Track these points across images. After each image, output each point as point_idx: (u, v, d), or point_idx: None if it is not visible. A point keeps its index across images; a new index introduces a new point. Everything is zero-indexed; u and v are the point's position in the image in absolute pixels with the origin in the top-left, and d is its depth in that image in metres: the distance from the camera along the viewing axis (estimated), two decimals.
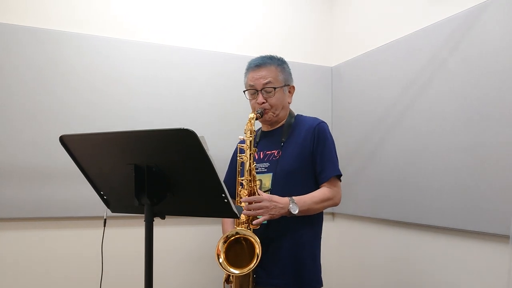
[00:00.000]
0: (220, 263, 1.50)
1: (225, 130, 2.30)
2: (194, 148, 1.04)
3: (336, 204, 1.71)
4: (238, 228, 1.56)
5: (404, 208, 2.02)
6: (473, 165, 1.68)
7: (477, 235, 1.69)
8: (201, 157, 1.06)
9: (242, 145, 1.61)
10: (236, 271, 1.49)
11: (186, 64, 2.29)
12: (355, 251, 2.43)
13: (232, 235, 1.53)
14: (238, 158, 1.63)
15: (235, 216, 1.18)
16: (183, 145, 1.08)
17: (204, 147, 1.04)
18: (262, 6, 2.55)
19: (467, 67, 1.73)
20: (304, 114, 1.83)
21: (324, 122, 1.76)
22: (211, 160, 1.06)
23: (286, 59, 1.83)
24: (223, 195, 1.12)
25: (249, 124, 1.62)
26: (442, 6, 1.90)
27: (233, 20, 2.46)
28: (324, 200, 1.65)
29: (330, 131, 1.64)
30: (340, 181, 1.73)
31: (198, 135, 1.02)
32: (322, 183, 1.69)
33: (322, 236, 1.78)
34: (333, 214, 2.64)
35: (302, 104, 2.46)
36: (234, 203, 1.64)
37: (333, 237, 2.59)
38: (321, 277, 1.71)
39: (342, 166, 1.74)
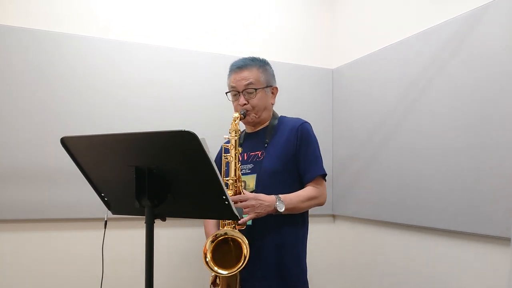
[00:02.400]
0: (206, 262, 1.48)
1: (226, 132, 2.29)
2: (195, 150, 1.04)
3: (321, 204, 1.72)
4: (226, 228, 1.55)
5: (405, 210, 2.02)
6: (474, 167, 1.69)
7: (478, 237, 1.69)
8: (202, 159, 1.06)
9: (227, 145, 1.62)
10: (224, 272, 1.48)
11: (188, 66, 2.29)
12: (356, 253, 2.43)
13: (221, 235, 1.52)
14: (223, 158, 1.63)
15: (235, 218, 1.18)
16: (184, 147, 1.08)
17: (205, 149, 1.04)
18: (263, 8, 2.56)
19: (467, 69, 1.74)
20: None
21: (307, 122, 1.76)
22: (212, 162, 1.06)
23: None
24: (224, 197, 1.12)
25: (233, 123, 1.63)
26: (443, 8, 1.90)
27: (234, 23, 2.47)
28: (309, 199, 1.66)
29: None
30: (325, 180, 1.73)
31: (199, 137, 1.02)
32: (307, 182, 1.69)
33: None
34: (333, 216, 2.64)
35: (302, 106, 2.47)
36: None
37: (334, 239, 2.58)
38: (306, 279, 1.71)
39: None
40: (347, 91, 2.53)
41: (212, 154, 1.06)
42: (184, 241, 2.27)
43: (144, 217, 1.17)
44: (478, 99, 1.69)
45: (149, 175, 1.13)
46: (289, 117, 1.82)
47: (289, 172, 1.69)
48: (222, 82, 2.33)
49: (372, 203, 2.26)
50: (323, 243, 2.55)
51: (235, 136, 1.60)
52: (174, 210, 1.24)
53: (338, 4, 2.71)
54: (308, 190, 1.67)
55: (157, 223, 1.18)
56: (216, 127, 2.30)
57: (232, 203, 1.14)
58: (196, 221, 2.26)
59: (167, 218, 1.22)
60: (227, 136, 1.63)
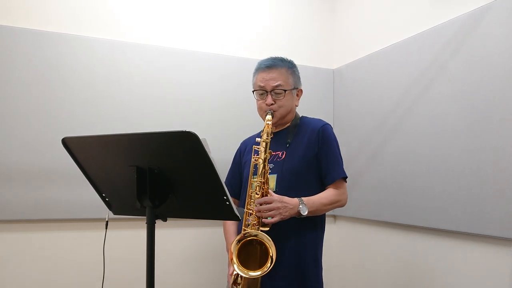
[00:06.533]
0: (234, 264, 1.48)
1: (227, 132, 2.30)
2: (196, 150, 1.04)
3: (343, 205, 1.73)
4: (249, 229, 1.55)
5: (406, 210, 2.01)
6: (475, 167, 1.68)
7: (480, 238, 1.68)
8: (203, 160, 1.06)
9: (258, 146, 1.61)
10: (253, 273, 1.47)
11: (189, 66, 2.29)
12: (357, 253, 2.43)
13: (250, 235, 1.51)
14: (252, 159, 1.63)
15: (236, 218, 1.18)
16: (185, 147, 1.08)
17: (206, 149, 1.04)
18: (264, 9, 2.56)
19: (468, 69, 1.73)
20: (308, 116, 1.84)
21: (328, 124, 1.76)
22: (213, 163, 1.07)
23: None
24: (225, 197, 1.13)
25: (266, 127, 1.61)
26: (444, 9, 1.90)
27: (235, 23, 2.47)
28: (332, 202, 1.67)
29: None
30: (346, 182, 1.74)
31: (200, 138, 1.03)
32: (328, 185, 1.70)
33: (323, 238, 1.79)
34: (334, 216, 2.64)
35: (304, 106, 2.44)
36: (243, 205, 1.64)
37: (335, 239, 2.58)
38: (322, 280, 1.72)
39: (344, 168, 1.74)
40: (348, 92, 2.52)
41: (213, 155, 1.06)
42: (185, 241, 2.27)
43: (145, 217, 1.17)
44: (479, 99, 1.68)
45: (150, 175, 1.14)
46: (310, 118, 1.82)
47: (310, 173, 1.69)
48: (223, 82, 2.36)
49: (373, 204, 2.25)
50: (324, 243, 2.54)
51: (267, 139, 1.59)
52: (175, 211, 1.24)
53: (339, 5, 2.71)
54: (330, 193, 1.67)
55: (158, 223, 1.18)
56: (218, 127, 2.32)
57: (233, 204, 1.15)
58: (197, 221, 2.26)
59: (168, 218, 1.22)
60: (259, 139, 1.61)
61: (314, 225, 1.71)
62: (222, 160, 1.94)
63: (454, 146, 1.78)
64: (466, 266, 1.74)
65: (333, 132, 1.75)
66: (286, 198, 1.56)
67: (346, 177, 1.72)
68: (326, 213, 1.79)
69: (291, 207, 1.55)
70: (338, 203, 1.69)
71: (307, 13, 2.68)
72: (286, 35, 2.61)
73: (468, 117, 1.73)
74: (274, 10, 2.59)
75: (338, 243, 2.58)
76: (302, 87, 1.82)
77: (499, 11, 1.63)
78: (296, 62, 2.48)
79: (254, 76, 1.78)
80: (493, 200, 1.61)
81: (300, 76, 1.81)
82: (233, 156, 1.95)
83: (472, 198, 1.69)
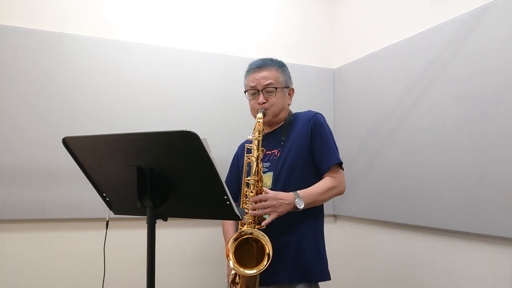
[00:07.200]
0: (230, 261, 1.48)
1: (228, 132, 2.30)
2: (196, 150, 1.04)
3: (341, 192, 1.71)
4: (246, 228, 1.55)
5: (407, 210, 2.02)
6: (476, 167, 1.68)
7: (481, 237, 1.68)
8: (204, 160, 1.06)
9: (250, 145, 1.61)
10: (249, 271, 1.47)
11: (190, 66, 2.29)
12: (357, 253, 2.43)
13: (246, 234, 1.51)
14: (245, 158, 1.64)
15: (237, 218, 1.18)
16: (185, 147, 1.08)
17: (207, 149, 1.04)
18: (265, 9, 2.56)
19: (469, 69, 1.73)
20: (300, 111, 1.84)
21: (319, 113, 1.76)
22: (213, 163, 1.07)
23: (288, 61, 1.84)
24: (225, 197, 1.13)
25: (257, 124, 1.62)
26: (445, 8, 1.90)
27: (236, 23, 2.47)
28: (328, 190, 1.65)
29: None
30: (342, 169, 1.73)
31: (201, 137, 1.03)
32: (324, 173, 1.69)
33: (324, 229, 1.78)
34: (335, 216, 2.64)
35: (304, 106, 2.45)
36: (238, 205, 1.64)
37: (335, 239, 2.58)
38: (328, 270, 1.71)
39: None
40: (348, 91, 2.53)
41: (213, 154, 1.06)
42: (186, 241, 2.27)
43: (146, 217, 1.17)
44: (480, 98, 1.68)
45: (151, 175, 1.14)
46: (301, 112, 1.82)
47: (306, 168, 1.69)
48: (223, 82, 2.36)
49: (374, 203, 2.25)
50: (324, 243, 2.54)
51: (259, 136, 1.59)
52: (176, 210, 1.24)
53: (339, 4, 2.71)
54: (325, 181, 1.66)
55: (159, 223, 1.18)
56: (218, 127, 2.32)
57: (233, 203, 1.15)
58: (197, 221, 2.27)
59: (168, 218, 1.22)
60: (250, 137, 1.62)
61: (312, 217, 1.70)
62: (222, 159, 1.94)
63: (455, 146, 1.78)
64: (466, 266, 1.74)
65: (324, 120, 1.75)
66: (281, 194, 1.56)
67: (341, 162, 1.71)
68: (326, 213, 1.79)
69: (287, 202, 1.55)
70: (335, 190, 1.68)
71: (308, 13, 2.68)
72: (287, 35, 2.61)
73: (468, 117, 1.73)
74: (274, 10, 2.59)
75: (338, 243, 2.58)
76: (303, 87, 1.82)
77: (499, 11, 1.63)
78: (296, 61, 2.51)
79: (245, 77, 1.80)
80: (494, 200, 1.61)
81: (301, 76, 1.81)
82: (233, 156, 1.95)
83: (473, 198, 1.69)
